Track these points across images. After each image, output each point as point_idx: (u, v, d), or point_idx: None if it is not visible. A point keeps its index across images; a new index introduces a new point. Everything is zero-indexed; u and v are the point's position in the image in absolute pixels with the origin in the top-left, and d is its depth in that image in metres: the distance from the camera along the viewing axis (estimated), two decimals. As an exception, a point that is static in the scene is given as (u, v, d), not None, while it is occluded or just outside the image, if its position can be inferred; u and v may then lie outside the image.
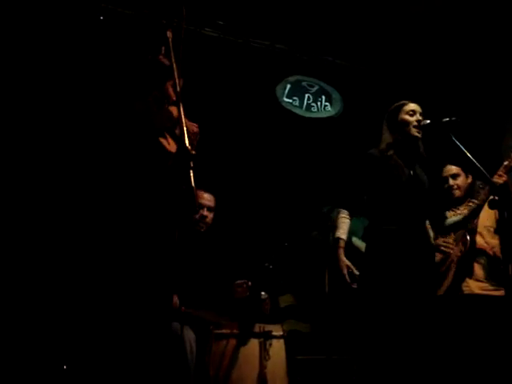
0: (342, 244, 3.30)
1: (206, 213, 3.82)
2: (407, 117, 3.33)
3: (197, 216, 3.75)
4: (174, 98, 3.10)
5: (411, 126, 3.31)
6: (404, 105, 3.40)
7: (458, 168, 3.99)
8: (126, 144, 3.03)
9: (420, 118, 3.32)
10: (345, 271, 3.23)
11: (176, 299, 3.28)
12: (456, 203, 3.99)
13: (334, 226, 3.37)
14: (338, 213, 3.39)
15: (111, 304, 3.05)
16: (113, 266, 3.09)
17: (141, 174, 2.98)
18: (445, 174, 4.03)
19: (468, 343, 3.58)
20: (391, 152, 3.30)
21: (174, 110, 3.00)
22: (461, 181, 3.99)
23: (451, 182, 3.99)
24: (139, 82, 3.10)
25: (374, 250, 3.26)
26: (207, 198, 3.87)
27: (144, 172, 2.98)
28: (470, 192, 3.99)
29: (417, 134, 3.31)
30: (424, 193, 3.33)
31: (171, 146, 3.04)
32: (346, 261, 3.26)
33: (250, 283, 3.67)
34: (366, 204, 3.34)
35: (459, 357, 3.58)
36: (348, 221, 3.34)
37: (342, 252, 3.29)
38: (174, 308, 3.19)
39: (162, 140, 3.00)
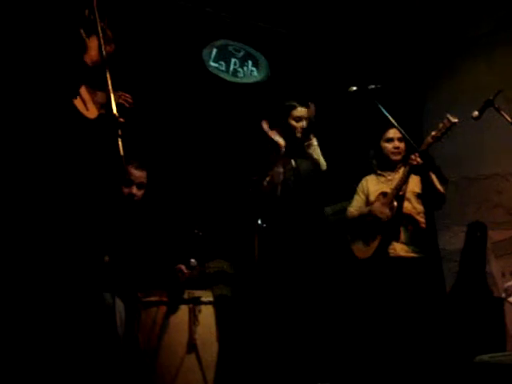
0: None
1: (135, 191, 3.59)
2: (294, 123, 3.84)
3: (125, 192, 3.51)
4: (95, 59, 2.98)
5: (296, 131, 3.84)
6: (293, 109, 3.86)
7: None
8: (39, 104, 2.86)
9: (305, 124, 3.83)
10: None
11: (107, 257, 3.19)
12: (391, 167, 4.05)
13: None
14: None
15: (36, 275, 2.96)
16: (34, 236, 2.98)
17: (51, 138, 2.83)
18: (390, 136, 3.99)
19: (393, 303, 3.75)
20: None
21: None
22: (403, 145, 3.99)
23: (397, 143, 3.98)
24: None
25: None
26: (137, 175, 3.60)
27: (54, 136, 2.83)
28: (403, 159, 4.00)
29: (300, 137, 3.86)
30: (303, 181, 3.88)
31: (90, 111, 2.92)
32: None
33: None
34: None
35: (386, 316, 3.75)
36: None
37: None
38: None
39: (78, 104, 2.86)
